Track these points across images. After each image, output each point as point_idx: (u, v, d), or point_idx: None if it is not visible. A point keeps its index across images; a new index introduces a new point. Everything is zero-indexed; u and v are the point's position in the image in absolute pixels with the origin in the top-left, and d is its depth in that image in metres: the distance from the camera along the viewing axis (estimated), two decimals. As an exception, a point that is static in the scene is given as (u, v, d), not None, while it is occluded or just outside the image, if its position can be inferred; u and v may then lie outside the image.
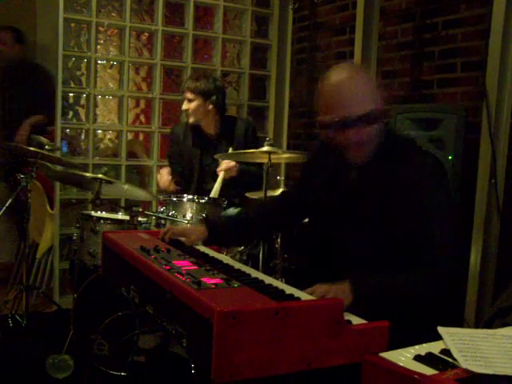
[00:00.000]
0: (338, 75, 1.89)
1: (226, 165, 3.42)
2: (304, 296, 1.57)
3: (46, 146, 3.78)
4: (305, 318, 1.40)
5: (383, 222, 1.88)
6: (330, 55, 4.25)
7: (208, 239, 2.21)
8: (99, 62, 4.28)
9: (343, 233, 1.98)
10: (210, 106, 3.56)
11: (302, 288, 1.64)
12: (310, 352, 1.41)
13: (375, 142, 1.93)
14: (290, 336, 1.39)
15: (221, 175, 3.42)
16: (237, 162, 3.44)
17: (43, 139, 3.76)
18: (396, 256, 1.82)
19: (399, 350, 1.29)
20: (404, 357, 1.25)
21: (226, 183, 3.43)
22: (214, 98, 3.55)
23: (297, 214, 2.29)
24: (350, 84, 1.85)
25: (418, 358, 1.24)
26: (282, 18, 4.65)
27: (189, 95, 3.54)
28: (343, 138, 1.88)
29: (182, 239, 2.20)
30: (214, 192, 3.36)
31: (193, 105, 3.54)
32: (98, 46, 4.28)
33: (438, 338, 1.34)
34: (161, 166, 4.25)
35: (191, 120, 3.59)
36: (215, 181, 3.44)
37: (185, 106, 3.58)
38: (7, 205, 3.35)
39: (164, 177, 3.62)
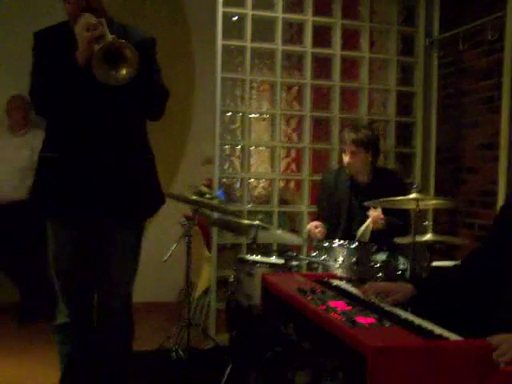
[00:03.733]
0: None
1: (375, 216, 3.50)
2: (452, 337, 1.66)
3: (206, 195, 4.11)
4: (453, 358, 1.49)
5: None
6: (477, 100, 4.26)
7: (414, 299, 2.17)
8: (252, 115, 4.60)
9: None
10: (370, 157, 3.69)
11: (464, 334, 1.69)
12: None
13: None
14: (437, 374, 1.48)
15: (367, 222, 3.52)
16: (384, 212, 3.51)
17: (204, 188, 4.10)
18: None
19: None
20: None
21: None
22: (374, 148, 3.68)
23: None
24: None
25: None
26: (426, 65, 4.72)
27: (352, 148, 3.64)
28: None
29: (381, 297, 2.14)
30: (361, 234, 3.47)
31: (356, 157, 3.64)
32: (251, 100, 4.61)
33: None
34: (311, 213, 4.43)
35: (352, 171, 3.71)
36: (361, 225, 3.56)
37: (348, 159, 3.67)
38: (173, 248, 3.71)
39: (315, 231, 3.70)
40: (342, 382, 1.63)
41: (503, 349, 1.61)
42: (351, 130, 3.74)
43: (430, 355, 1.47)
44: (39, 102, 2.61)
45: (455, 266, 2.61)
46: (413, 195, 3.17)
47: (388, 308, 1.99)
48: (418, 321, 1.81)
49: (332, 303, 1.92)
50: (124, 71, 2.34)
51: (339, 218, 3.76)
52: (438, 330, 1.69)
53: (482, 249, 2.30)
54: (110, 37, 2.34)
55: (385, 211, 3.52)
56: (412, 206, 3.22)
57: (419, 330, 1.68)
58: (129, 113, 2.62)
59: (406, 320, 1.80)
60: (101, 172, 2.60)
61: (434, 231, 3.92)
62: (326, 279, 2.48)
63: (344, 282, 2.62)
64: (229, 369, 3.18)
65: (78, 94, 2.49)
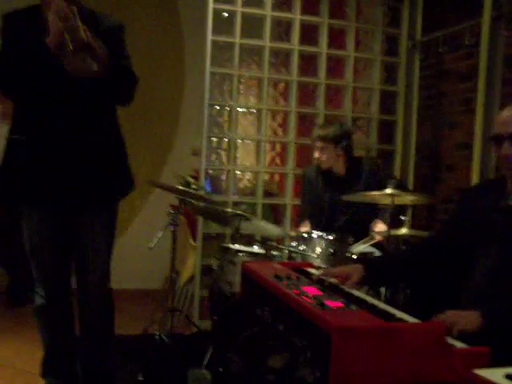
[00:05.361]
0: None
1: (379, 233, 3.60)
2: (411, 319, 1.82)
3: (192, 185, 4.24)
4: (410, 338, 1.64)
5: None
6: (455, 101, 4.42)
7: (364, 280, 2.32)
8: (240, 109, 4.73)
9: (489, 262, 2.10)
10: (340, 151, 3.86)
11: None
12: (413, 368, 1.65)
13: None
14: (396, 353, 1.64)
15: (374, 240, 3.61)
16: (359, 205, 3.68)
17: (190, 179, 4.24)
18: None
19: (491, 369, 1.51)
20: (496, 374, 1.46)
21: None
22: (343, 143, 3.84)
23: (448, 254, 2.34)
24: None
25: (508, 376, 1.45)
26: (409, 66, 4.87)
27: (319, 144, 3.83)
28: None
29: (334, 280, 2.33)
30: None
31: (324, 153, 3.82)
32: (239, 95, 4.74)
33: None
34: (294, 206, 4.58)
35: (323, 166, 3.89)
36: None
37: (317, 154, 3.86)
38: (159, 236, 3.83)
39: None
40: (310, 360, 1.78)
41: (450, 322, 1.79)
42: (319, 127, 3.98)
43: (388, 336, 1.63)
44: (4, 83, 2.61)
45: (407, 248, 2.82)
46: (388, 190, 3.32)
47: (357, 294, 2.15)
48: (382, 306, 1.97)
49: (305, 288, 2.07)
50: (93, 66, 2.39)
51: (321, 210, 3.93)
52: (399, 314, 1.85)
53: (433, 236, 2.55)
54: (82, 33, 2.30)
55: (360, 204, 3.69)
56: (388, 201, 3.37)
57: (382, 314, 1.83)
58: (98, 98, 2.64)
59: (371, 304, 1.96)
60: (70, 156, 2.62)
61: (412, 226, 4.07)
62: (303, 268, 2.62)
63: (320, 270, 2.77)
64: (210, 352, 3.32)
65: (47, 78, 2.51)
